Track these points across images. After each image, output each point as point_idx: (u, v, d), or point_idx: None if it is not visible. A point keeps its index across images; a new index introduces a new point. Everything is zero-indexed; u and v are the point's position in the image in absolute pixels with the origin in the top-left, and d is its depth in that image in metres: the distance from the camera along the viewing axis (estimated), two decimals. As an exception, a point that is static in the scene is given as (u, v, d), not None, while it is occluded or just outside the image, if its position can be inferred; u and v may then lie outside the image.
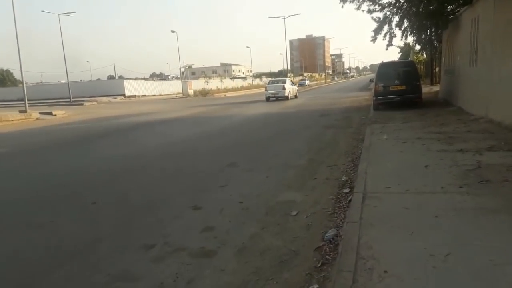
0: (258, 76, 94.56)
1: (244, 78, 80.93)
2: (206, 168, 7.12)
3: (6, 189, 6.47)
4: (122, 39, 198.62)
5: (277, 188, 5.59)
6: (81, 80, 68.03)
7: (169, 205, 5.04)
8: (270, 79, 46.29)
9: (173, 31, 47.01)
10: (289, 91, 27.77)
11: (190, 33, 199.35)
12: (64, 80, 62.12)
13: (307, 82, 71.18)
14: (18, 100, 41.30)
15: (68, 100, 35.85)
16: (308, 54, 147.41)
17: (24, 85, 24.23)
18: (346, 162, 6.87)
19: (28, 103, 32.39)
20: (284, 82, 28.31)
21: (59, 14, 35.37)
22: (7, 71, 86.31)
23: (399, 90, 13.90)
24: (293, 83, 30.78)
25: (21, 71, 22.94)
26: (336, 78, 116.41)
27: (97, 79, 66.71)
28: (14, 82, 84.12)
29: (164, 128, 14.67)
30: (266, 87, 28.77)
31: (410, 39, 25.95)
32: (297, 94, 30.39)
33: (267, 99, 27.43)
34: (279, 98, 27.19)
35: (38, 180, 6.92)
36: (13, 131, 16.35)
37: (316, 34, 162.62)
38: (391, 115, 12.37)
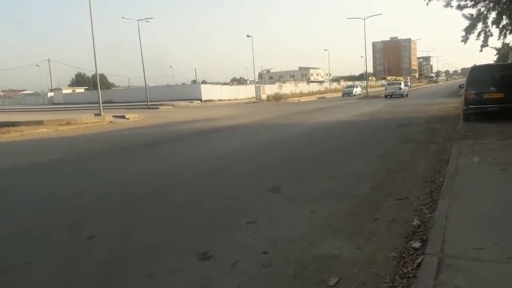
0: (336, 79, 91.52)
1: (321, 82, 78.74)
2: (241, 192, 5.86)
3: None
4: (205, 44, 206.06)
5: (320, 230, 4.17)
6: (168, 85, 71.11)
7: (173, 249, 3.87)
8: (348, 82, 56.86)
9: (248, 36, 46.84)
10: (403, 90, 36.51)
11: (269, 37, 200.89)
12: (152, 84, 65.49)
13: (357, 90, 51.33)
14: (106, 102, 44.00)
15: (145, 104, 37.04)
16: (392, 56, 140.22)
17: (99, 89, 25.10)
18: (422, 195, 5.20)
19: (110, 106, 33.99)
20: (400, 84, 39.04)
21: (138, 20, 36.79)
22: (102, 75, 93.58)
23: (496, 99, 11.50)
24: (406, 85, 41.88)
25: (97, 75, 23.83)
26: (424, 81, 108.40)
27: (182, 84, 69.15)
28: (108, 86, 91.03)
29: (220, 136, 13.79)
30: (385, 87, 38.99)
31: (511, 38, 22.73)
32: (408, 94, 37.77)
33: (386, 96, 35.84)
34: (394, 95, 35.42)
35: (47, 200, 6.24)
36: (78, 135, 16.63)
37: (401, 35, 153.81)
38: (484, 128, 10.14)
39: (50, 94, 70.57)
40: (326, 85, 73.72)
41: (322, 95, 54.08)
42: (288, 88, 56.85)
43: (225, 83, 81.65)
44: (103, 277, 3.37)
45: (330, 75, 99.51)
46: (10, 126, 19.22)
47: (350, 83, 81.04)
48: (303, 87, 62.66)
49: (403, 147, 9.10)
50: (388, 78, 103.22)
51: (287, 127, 15.72)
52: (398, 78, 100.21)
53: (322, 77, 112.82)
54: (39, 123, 20.15)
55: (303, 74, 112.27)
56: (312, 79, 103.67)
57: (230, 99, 50.22)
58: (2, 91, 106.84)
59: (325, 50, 68.17)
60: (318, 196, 5.40)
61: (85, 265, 3.59)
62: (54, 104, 61.84)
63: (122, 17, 33.67)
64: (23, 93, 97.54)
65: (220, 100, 48.45)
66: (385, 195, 5.37)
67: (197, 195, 5.83)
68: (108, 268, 3.53)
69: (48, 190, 6.72)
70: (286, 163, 7.97)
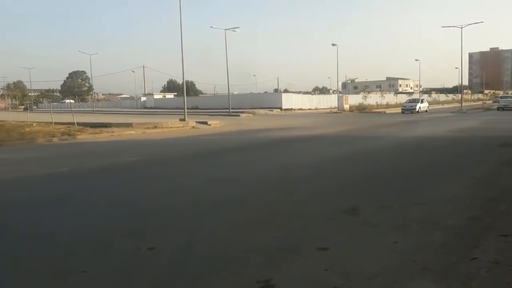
0: (427, 91, 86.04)
1: (410, 94, 74.54)
2: (313, 211, 5.34)
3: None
4: (289, 53, 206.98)
5: (404, 266, 3.53)
6: (251, 93, 72.64)
7: (233, 272, 3.49)
8: (441, 95, 54.58)
9: (333, 44, 45.85)
10: None
11: (355, 46, 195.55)
12: (235, 92, 67.43)
13: (422, 106, 39.39)
14: (192, 108, 46.01)
15: (227, 111, 37.89)
16: (491, 68, 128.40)
17: (185, 96, 26.05)
18: (533, 233, 4.27)
19: (195, 112, 35.37)
20: None
21: (225, 29, 37.86)
22: (191, 82, 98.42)
23: None
24: None
25: (183, 82, 24.86)
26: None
27: (264, 92, 70.10)
28: (196, 93, 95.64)
29: (295, 147, 13.30)
30: (498, 100, 43.16)
31: None
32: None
33: (498, 108, 38.09)
34: (506, 108, 36.83)
35: (116, 204, 6.26)
36: (161, 138, 17.30)
37: (502, 46, 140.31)
38: None
39: (143, 98, 75.81)
40: (416, 96, 69.60)
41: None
42: (373, 98, 54.60)
43: (307, 92, 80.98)
44: (156, 297, 3.11)
45: (420, 86, 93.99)
46: (103, 127, 20.71)
47: (442, 95, 75.63)
48: (389, 98, 59.77)
49: (506, 171, 7.88)
50: (486, 91, 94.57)
51: (370, 141, 14.77)
52: (497, 92, 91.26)
53: (411, 88, 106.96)
54: (129, 125, 21.44)
55: (390, 84, 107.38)
56: (400, 90, 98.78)
57: (310, 109, 49.54)
58: (103, 94, 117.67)
59: (416, 60, 64.45)
60: (402, 224, 4.70)
61: (140, 280, 3.37)
62: (145, 108, 66.31)
63: (211, 27, 34.95)
64: (120, 97, 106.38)
65: (301, 109, 47.98)
66: (485, 228, 4.51)
67: (265, 211, 5.43)
68: (163, 286, 3.26)
69: (119, 193, 6.82)
70: (366, 181, 7.26)
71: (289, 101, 48.51)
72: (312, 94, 71.12)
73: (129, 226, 4.84)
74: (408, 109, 38.03)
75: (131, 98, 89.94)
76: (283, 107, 46.35)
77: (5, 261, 3.82)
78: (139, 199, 6.26)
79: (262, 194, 6.39)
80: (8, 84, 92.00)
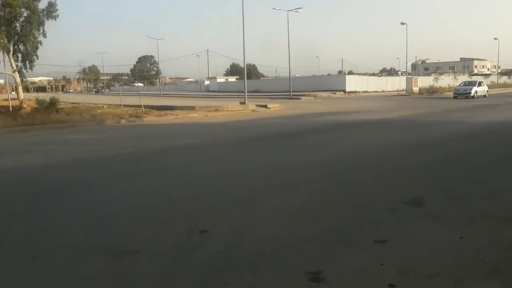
0: (507, 73, 78.93)
1: (487, 76, 68.85)
2: (372, 200, 5.05)
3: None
4: (354, 33, 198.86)
5: (470, 265, 3.19)
6: (313, 75, 71.34)
7: (282, 261, 3.38)
8: None
9: (402, 23, 43.40)
10: None
11: (426, 25, 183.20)
12: (297, 75, 66.64)
13: (479, 90, 33.34)
14: (253, 91, 46.27)
15: (288, 94, 37.54)
16: None
17: (245, 79, 26.10)
18: None
19: (256, 95, 35.50)
20: None
21: (288, 10, 37.25)
22: (253, 65, 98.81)
23: None
24: None
25: (244, 65, 24.81)
26: None
27: (327, 74, 68.50)
28: (258, 76, 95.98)
29: (358, 131, 12.80)
30: None
31: None
32: None
33: None
34: None
35: (176, 185, 6.36)
36: (222, 121, 17.51)
37: None
38: None
39: (207, 82, 77.63)
40: (493, 78, 64.21)
41: (488, 90, 47.08)
42: (445, 81, 51.26)
43: (373, 74, 77.82)
44: (204, 280, 3.08)
45: (498, 67, 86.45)
46: (168, 109, 21.46)
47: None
48: (464, 79, 55.74)
49: None
50: None
51: (441, 126, 13.83)
52: None
53: (488, 69, 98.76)
54: (192, 108, 22.01)
55: (464, 66, 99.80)
56: (475, 71, 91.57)
57: (376, 91, 47.62)
58: (170, 78, 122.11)
59: (495, 39, 59.01)
60: (471, 218, 4.28)
61: (190, 263, 3.37)
62: (209, 91, 67.89)
63: (273, 8, 34.45)
64: (185, 81, 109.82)
65: (366, 92, 46.31)
66: None
67: (320, 198, 5.23)
68: (211, 270, 3.23)
69: (179, 175, 6.96)
70: (433, 170, 6.75)
71: (353, 84, 47.02)
72: (378, 76, 68.20)
73: (184, 208, 4.89)
74: (462, 93, 32.14)
75: (196, 82, 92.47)
76: (347, 90, 45.03)
77: (66, 239, 4.03)
78: (196, 182, 6.35)
79: (318, 181, 6.18)
80: (84, 68, 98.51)
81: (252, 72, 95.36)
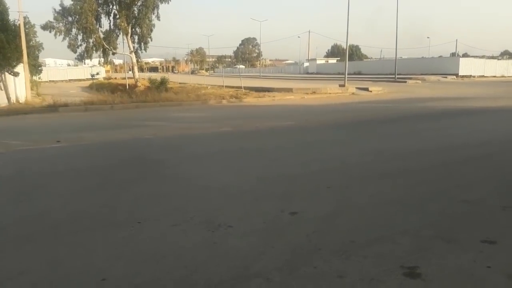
0: None
1: None
2: (482, 196, 4.52)
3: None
4: (472, 12, 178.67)
5: None
6: (422, 57, 66.29)
7: (375, 251, 3.23)
8: None
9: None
10: None
11: None
12: (404, 56, 62.59)
13: None
14: (354, 73, 44.77)
15: (393, 76, 35.46)
16: None
17: (347, 61, 25.19)
18: None
19: (357, 78, 34.31)
20: None
21: (397, -12, 34.84)
22: (356, 46, 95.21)
23: None
24: None
25: (347, 46, 23.92)
26: None
27: (438, 56, 63.14)
28: (360, 57, 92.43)
29: (468, 121, 11.58)
30: None
31: None
32: None
33: None
34: None
35: (267, 166, 6.40)
36: (318, 104, 17.23)
37: None
38: None
39: (306, 64, 76.90)
40: None
41: None
42: None
43: (492, 57, 69.71)
44: (292, 263, 3.08)
45: None
46: (266, 91, 21.79)
47: None
48: None
49: None
50: None
51: None
52: None
53: None
54: (289, 90, 22.05)
55: None
56: None
57: (495, 76, 42.67)
58: (270, 60, 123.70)
59: None
60: None
61: (279, 243, 3.40)
62: (307, 73, 67.24)
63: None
64: (285, 63, 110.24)
65: (482, 76, 41.78)
66: None
67: (422, 191, 4.86)
68: (300, 253, 3.22)
69: (270, 158, 7.03)
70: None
71: (467, 67, 42.69)
72: (498, 59, 60.91)
73: (277, 189, 4.94)
74: None
75: (295, 63, 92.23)
76: (460, 74, 41.06)
77: (168, 208, 4.34)
78: (290, 164, 6.36)
79: (421, 172, 5.75)
80: (192, 50, 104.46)
81: (354, 53, 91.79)
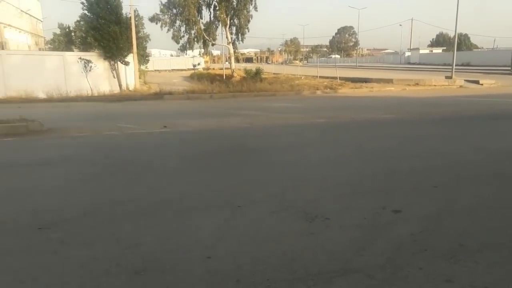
0: None
1: None
2: None
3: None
4: None
5: None
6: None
7: (474, 260, 2.94)
8: None
9: None
10: None
11: None
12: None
13: None
14: (461, 65, 41.11)
15: (508, 69, 31.73)
16: None
17: (455, 51, 23.09)
18: None
19: (465, 69, 31.40)
20: None
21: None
22: (465, 35, 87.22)
23: None
24: None
25: (455, 35, 21.95)
26: None
27: None
28: (469, 47, 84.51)
29: None
30: None
31: None
32: None
33: None
34: None
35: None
36: (421, 96, 16.12)
37: None
38: None
39: (407, 53, 72.49)
40: None
41: None
42: None
43: None
44: (395, 262, 2.94)
45: None
46: (363, 82, 21.02)
47: None
48: None
49: None
50: None
51: None
52: None
53: None
54: (389, 81, 20.98)
55: None
56: None
57: None
58: (367, 49, 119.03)
59: None
60: None
61: (381, 240, 3.26)
62: (409, 63, 63.36)
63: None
64: (384, 52, 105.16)
65: None
66: None
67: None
68: (403, 253, 3.06)
69: (366, 150, 6.77)
70: None
71: None
72: None
73: (377, 184, 4.76)
74: None
75: (395, 53, 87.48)
76: None
77: (264, 194, 4.43)
78: (388, 158, 6.08)
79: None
80: (286, 40, 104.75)
81: (462, 42, 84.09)
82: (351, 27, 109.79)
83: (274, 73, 34.51)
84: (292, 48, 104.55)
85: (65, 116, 11.14)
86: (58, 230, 3.43)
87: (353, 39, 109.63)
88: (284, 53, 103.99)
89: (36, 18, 55.62)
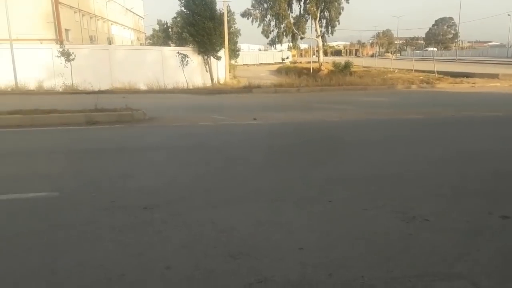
0: None
1: None
2: None
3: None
4: None
5: None
6: None
7: None
8: None
9: None
10: None
11: None
12: None
13: None
14: None
15: None
16: None
17: None
18: None
19: None
20: None
21: None
22: None
23: None
24: None
25: None
26: None
27: None
28: None
29: None
30: None
31: None
32: None
33: None
34: None
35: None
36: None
37: None
38: None
39: (517, 46, 65.11)
40: None
41: None
42: None
43: None
44: (505, 272, 2.69)
45: None
46: (464, 77, 19.40)
47: None
48: None
49: None
50: None
51: None
52: None
53: None
54: (494, 76, 19.13)
55: None
56: None
57: None
58: (468, 42, 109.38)
59: None
60: None
61: (487, 248, 2.98)
62: (518, 57, 56.89)
63: None
64: (487, 45, 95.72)
65: None
66: None
67: None
68: (505, 265, 2.79)
69: (465, 150, 6.24)
70: None
71: None
72: None
73: (480, 187, 4.39)
74: None
75: (501, 46, 79.16)
76: None
77: (355, 190, 4.31)
78: (492, 159, 5.56)
79: None
80: (378, 33, 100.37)
81: None
82: (451, 18, 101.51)
83: (364, 67, 33.37)
84: (385, 40, 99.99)
85: (164, 107, 11.93)
86: (160, 211, 3.70)
87: (452, 31, 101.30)
88: (376, 46, 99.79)
89: (138, 16, 60.32)
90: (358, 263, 2.76)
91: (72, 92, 16.39)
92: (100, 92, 15.58)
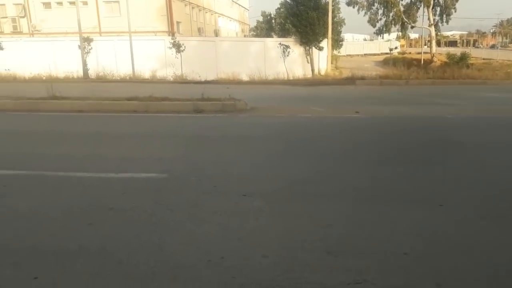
0: None
1: None
2: None
3: None
4: None
5: None
6: None
7: None
8: None
9: None
10: None
11: None
12: None
13: None
14: None
15: None
16: None
17: None
18: None
19: None
20: None
21: None
22: None
23: None
24: None
25: None
26: None
27: None
28: None
29: None
30: None
31: None
32: None
33: None
34: None
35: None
36: None
37: None
38: None
39: None
40: None
41: None
42: None
43: None
44: None
45: None
46: None
47: None
48: None
49: None
50: None
51: None
52: None
53: None
54: None
55: None
56: None
57: None
58: None
59: None
60: None
61: None
62: None
63: None
64: None
65: None
66: None
67: None
68: None
69: None
70: None
71: None
72: None
73: None
74: None
75: None
76: None
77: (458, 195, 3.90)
78: None
79: None
80: (501, 21, 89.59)
81: None
82: None
83: (483, 59, 30.13)
84: (509, 29, 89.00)
85: (265, 97, 12.11)
86: (258, 199, 3.75)
87: None
88: (498, 36, 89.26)
89: (243, 7, 62.05)
90: (468, 274, 2.49)
91: (181, 81, 17.53)
92: (206, 82, 16.40)
